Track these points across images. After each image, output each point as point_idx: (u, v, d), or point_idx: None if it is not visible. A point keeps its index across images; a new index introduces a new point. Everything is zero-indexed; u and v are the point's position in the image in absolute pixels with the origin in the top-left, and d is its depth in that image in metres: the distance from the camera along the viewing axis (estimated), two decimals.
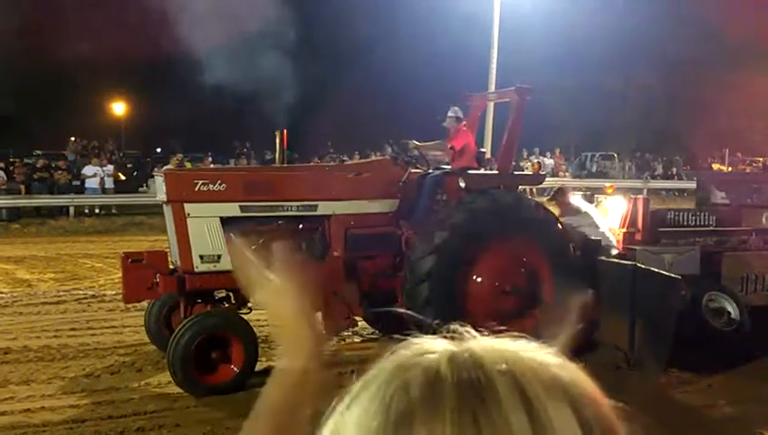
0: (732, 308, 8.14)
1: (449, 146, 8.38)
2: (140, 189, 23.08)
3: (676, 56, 37.41)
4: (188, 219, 6.99)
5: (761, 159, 36.73)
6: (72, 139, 29.78)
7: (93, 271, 13.03)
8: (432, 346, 0.69)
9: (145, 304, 8.02)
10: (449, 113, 8.46)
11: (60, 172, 22.33)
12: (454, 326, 0.73)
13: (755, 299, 8.57)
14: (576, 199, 9.71)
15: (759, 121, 38.16)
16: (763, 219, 9.69)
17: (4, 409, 6.17)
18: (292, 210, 7.43)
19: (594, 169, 32.93)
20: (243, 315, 7.16)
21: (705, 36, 36.36)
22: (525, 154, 28.80)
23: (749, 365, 7.67)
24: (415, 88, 33.13)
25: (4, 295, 10.79)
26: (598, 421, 0.66)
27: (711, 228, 9.17)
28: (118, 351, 7.95)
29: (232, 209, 7.18)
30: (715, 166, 36.15)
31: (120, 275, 7.65)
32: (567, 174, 29.79)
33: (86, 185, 21.52)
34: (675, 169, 34.16)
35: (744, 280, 8.63)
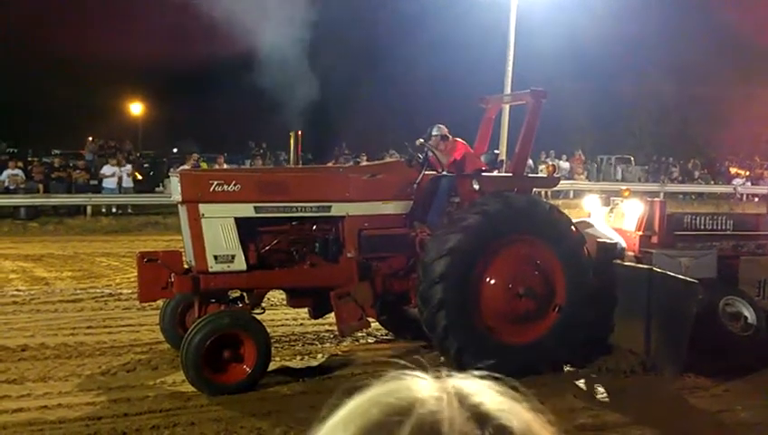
0: (749, 313, 8.08)
1: (452, 160, 8.29)
2: (157, 189, 23.21)
3: (692, 60, 37.15)
4: (203, 220, 7.02)
5: None
6: (90, 138, 30.01)
7: (110, 270, 13.13)
8: (425, 391, 0.61)
9: (161, 302, 8.08)
10: (434, 132, 8.31)
11: (78, 172, 22.53)
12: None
13: None
14: (591, 201, 9.68)
15: None
16: None
17: (21, 405, 6.22)
18: (306, 211, 7.45)
19: (611, 172, 32.72)
20: (256, 315, 7.20)
21: (721, 41, 36.09)
22: (543, 156, 28.66)
23: (765, 370, 7.60)
24: (431, 90, 33.14)
25: (21, 293, 10.89)
26: None
27: (728, 232, 9.10)
28: (134, 349, 8.01)
29: (246, 210, 7.21)
30: (733, 170, 35.84)
31: (136, 274, 7.70)
32: (582, 176, 29.62)
33: (103, 184, 21.70)
34: (696, 173, 33.88)
35: (761, 284, 8.56)
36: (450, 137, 8.40)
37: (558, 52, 30.80)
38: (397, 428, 0.57)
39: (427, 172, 7.98)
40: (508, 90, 22.31)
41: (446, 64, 33.78)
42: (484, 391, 0.62)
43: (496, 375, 0.65)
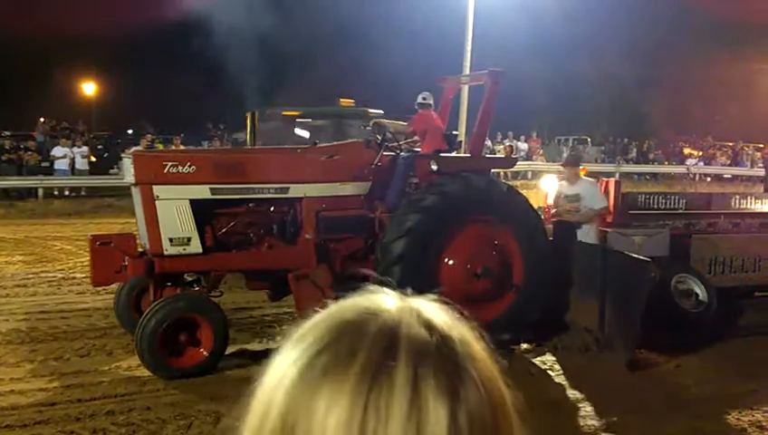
0: (700, 290, 8.27)
1: (410, 130, 8.35)
2: (111, 171, 22.74)
3: (648, 42, 37.66)
4: (157, 202, 6.89)
5: (731, 144, 37.22)
6: (42, 119, 29.24)
7: (63, 253, 12.86)
8: (390, 303, 0.75)
9: (116, 286, 7.94)
10: (418, 98, 8.48)
11: (28, 153, 21.96)
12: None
13: (723, 281, 8.71)
14: (549, 181, 9.78)
15: (731, 106, 38.67)
16: (732, 203, 9.84)
17: None
18: (263, 193, 7.37)
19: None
20: (214, 298, 7.13)
21: (676, 22, 36.61)
22: (499, 137, 28.86)
23: (716, 346, 7.80)
24: (390, 71, 32.98)
25: None
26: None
27: (681, 211, 9.30)
28: (88, 334, 7.86)
29: (202, 192, 7.10)
30: (687, 150, 36.56)
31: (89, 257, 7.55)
32: (542, 157, 29.92)
33: (55, 166, 21.18)
34: (651, 155, 34.47)
35: (712, 262, 8.77)
36: (426, 105, 8.45)
37: (517, 33, 30.91)
38: (366, 325, 0.70)
39: (385, 153, 7.95)
40: (467, 70, 22.35)
41: (405, 45, 33.67)
42: (434, 310, 0.76)
43: (446, 300, 0.80)
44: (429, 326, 0.72)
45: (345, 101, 13.58)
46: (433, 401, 0.66)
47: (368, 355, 0.67)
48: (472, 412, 0.67)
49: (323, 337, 0.71)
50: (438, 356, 0.69)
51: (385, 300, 0.75)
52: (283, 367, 0.72)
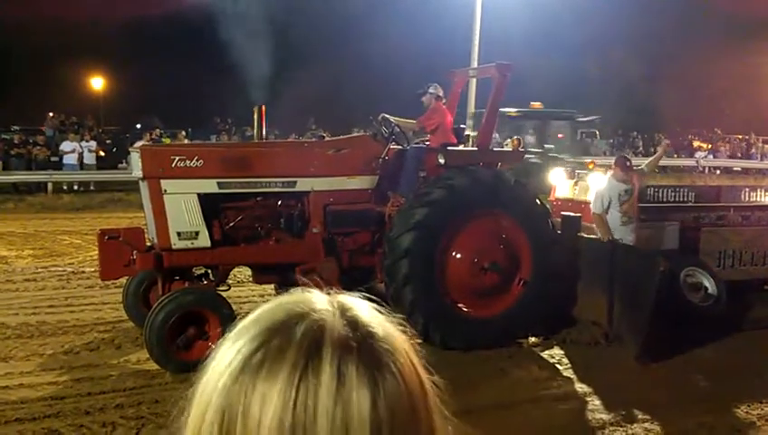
0: (709, 283, 8.23)
1: (421, 126, 8.32)
2: (120, 166, 22.80)
3: (657, 35, 37.44)
4: (165, 196, 6.91)
5: (740, 136, 36.99)
6: (51, 114, 29.31)
7: (72, 247, 12.91)
8: (319, 303, 0.80)
9: (125, 280, 7.97)
10: (430, 90, 8.39)
11: (38, 148, 22.04)
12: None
13: (732, 274, 8.67)
14: (557, 174, 9.75)
15: (740, 100, 38.43)
16: (742, 196, 9.77)
17: None
18: (270, 187, 7.37)
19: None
20: (221, 292, 7.14)
21: (685, 15, 36.38)
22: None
23: (725, 340, 7.77)
24: (398, 64, 32.95)
25: None
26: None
27: (690, 204, 9.24)
28: (97, 328, 7.90)
29: (210, 186, 7.11)
30: (696, 143, 36.36)
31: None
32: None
33: (64, 161, 21.25)
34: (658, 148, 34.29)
35: (721, 255, 8.74)
36: (441, 98, 8.40)
37: (524, 26, 30.78)
38: (294, 327, 0.76)
39: (392, 147, 7.94)
40: (475, 63, 22.28)
41: (413, 39, 33.60)
42: (361, 306, 0.82)
43: (372, 296, 0.85)
44: (354, 324, 0.77)
45: (535, 105, 14.17)
46: (356, 392, 0.72)
47: (296, 354, 0.73)
48: (391, 400, 0.74)
49: (255, 338, 0.77)
50: (360, 352, 0.75)
51: (315, 300, 0.81)
52: (220, 367, 0.77)
